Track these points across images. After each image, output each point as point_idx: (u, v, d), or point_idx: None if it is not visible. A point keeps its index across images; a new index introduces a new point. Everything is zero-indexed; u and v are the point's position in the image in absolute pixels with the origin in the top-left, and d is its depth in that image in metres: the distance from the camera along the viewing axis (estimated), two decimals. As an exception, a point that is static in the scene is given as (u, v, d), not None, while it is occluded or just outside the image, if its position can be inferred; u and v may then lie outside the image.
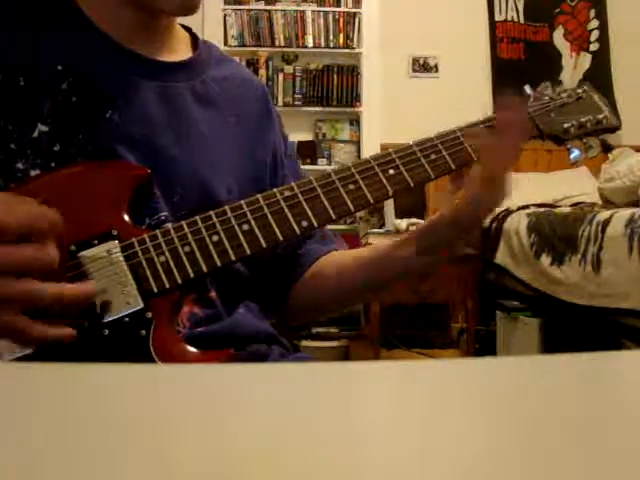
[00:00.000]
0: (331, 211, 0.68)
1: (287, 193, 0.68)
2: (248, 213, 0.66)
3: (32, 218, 0.56)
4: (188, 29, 0.86)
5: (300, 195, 0.68)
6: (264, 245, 0.66)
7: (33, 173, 0.67)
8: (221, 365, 0.59)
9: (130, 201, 0.68)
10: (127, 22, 0.74)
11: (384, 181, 0.70)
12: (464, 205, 0.73)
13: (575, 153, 0.80)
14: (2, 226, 0.54)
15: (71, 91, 0.70)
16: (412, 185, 0.71)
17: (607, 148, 0.82)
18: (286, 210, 0.67)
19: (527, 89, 0.81)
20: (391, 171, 0.71)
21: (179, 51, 0.81)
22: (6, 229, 0.54)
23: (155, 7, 0.73)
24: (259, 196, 0.68)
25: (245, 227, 0.66)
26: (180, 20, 0.82)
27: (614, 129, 0.83)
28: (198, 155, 0.75)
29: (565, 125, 0.80)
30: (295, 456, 0.20)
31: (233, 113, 0.82)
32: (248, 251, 0.65)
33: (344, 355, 3.18)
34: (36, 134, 0.68)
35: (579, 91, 0.83)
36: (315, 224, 0.68)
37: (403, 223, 3.01)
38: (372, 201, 0.70)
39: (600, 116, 0.82)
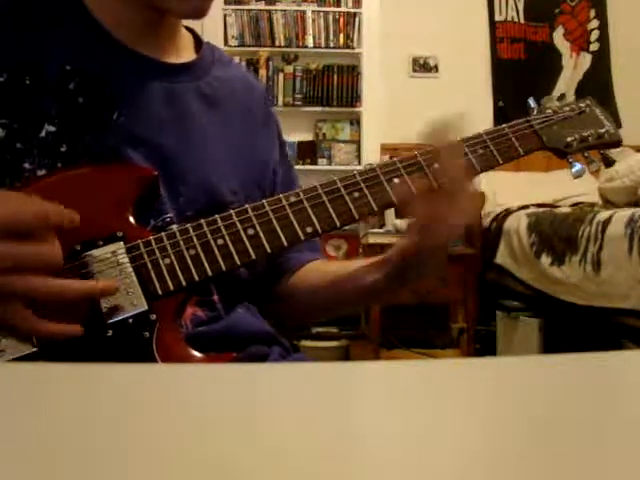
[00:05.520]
0: (335, 218, 0.69)
1: (293, 199, 0.69)
2: (253, 218, 0.67)
3: (42, 214, 0.56)
4: (191, 30, 0.86)
5: (305, 201, 0.69)
6: (269, 250, 0.66)
7: (40, 173, 0.68)
8: (222, 365, 0.59)
9: (136, 202, 0.68)
10: (134, 23, 0.75)
11: (388, 190, 0.71)
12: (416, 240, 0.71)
13: (577, 167, 0.81)
14: (17, 219, 0.55)
15: (78, 92, 0.70)
16: (415, 194, 0.72)
17: (608, 163, 0.83)
18: (291, 216, 0.68)
19: (531, 102, 0.82)
20: (395, 180, 0.71)
21: (184, 52, 0.81)
22: (20, 223, 0.55)
23: (164, 8, 0.73)
24: (264, 201, 0.68)
25: (250, 232, 0.66)
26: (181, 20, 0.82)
27: (616, 144, 0.83)
28: (203, 156, 0.75)
29: (568, 139, 0.81)
30: (295, 456, 0.20)
31: (237, 114, 0.82)
32: (253, 256, 0.66)
33: (344, 355, 3.18)
34: (43, 134, 0.68)
35: (582, 105, 0.84)
36: (319, 230, 0.68)
37: (403, 223, 3.01)
38: (376, 209, 0.71)
39: (602, 130, 0.82)
